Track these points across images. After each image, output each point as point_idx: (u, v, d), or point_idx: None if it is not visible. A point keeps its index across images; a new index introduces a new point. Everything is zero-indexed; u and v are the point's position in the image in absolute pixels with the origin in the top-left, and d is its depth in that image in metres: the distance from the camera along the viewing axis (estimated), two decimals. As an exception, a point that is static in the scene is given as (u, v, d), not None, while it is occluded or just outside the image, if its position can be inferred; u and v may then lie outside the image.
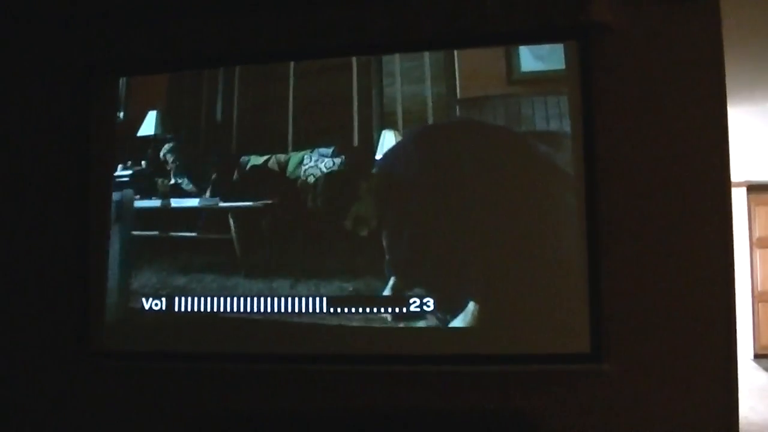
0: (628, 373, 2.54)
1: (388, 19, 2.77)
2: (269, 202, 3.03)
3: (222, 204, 3.10)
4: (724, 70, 2.58)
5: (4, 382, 3.07)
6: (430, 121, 2.99)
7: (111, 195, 3.04)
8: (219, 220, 3.07)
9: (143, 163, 3.21)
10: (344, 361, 2.74)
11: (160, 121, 3.24)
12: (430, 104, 2.99)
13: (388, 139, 3.00)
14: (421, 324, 2.75)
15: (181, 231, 3.12)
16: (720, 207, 2.56)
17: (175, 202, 3.15)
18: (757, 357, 6.45)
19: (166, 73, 3.15)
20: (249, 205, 3.05)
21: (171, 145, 3.18)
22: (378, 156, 2.98)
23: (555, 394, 2.59)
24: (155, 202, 3.14)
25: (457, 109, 3.00)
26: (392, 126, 3.00)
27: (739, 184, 6.38)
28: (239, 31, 2.90)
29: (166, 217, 3.12)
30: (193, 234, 3.11)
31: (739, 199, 6.39)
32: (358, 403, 2.69)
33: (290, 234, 2.99)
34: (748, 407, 4.51)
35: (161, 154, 3.18)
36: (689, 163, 2.57)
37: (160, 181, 3.17)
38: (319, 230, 2.96)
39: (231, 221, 3.06)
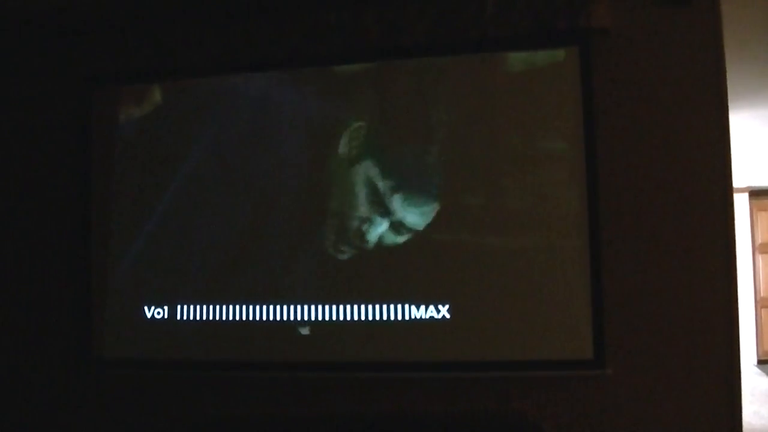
0: (631, 380, 2.54)
1: (383, 24, 2.75)
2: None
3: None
4: (725, 74, 2.58)
5: (7, 387, 3.07)
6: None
7: (113, 201, 3.02)
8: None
9: None
10: (347, 368, 2.73)
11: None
12: None
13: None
14: (430, 329, 2.66)
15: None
16: (722, 212, 2.55)
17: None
18: (760, 363, 6.43)
19: (165, 82, 3.04)
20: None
21: None
22: None
23: (559, 400, 2.59)
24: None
25: None
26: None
27: (741, 190, 6.38)
28: (238, 39, 2.90)
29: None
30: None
31: (741, 204, 6.39)
32: (360, 409, 2.69)
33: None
34: (751, 412, 4.50)
35: None
36: (691, 169, 2.57)
37: None
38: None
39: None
